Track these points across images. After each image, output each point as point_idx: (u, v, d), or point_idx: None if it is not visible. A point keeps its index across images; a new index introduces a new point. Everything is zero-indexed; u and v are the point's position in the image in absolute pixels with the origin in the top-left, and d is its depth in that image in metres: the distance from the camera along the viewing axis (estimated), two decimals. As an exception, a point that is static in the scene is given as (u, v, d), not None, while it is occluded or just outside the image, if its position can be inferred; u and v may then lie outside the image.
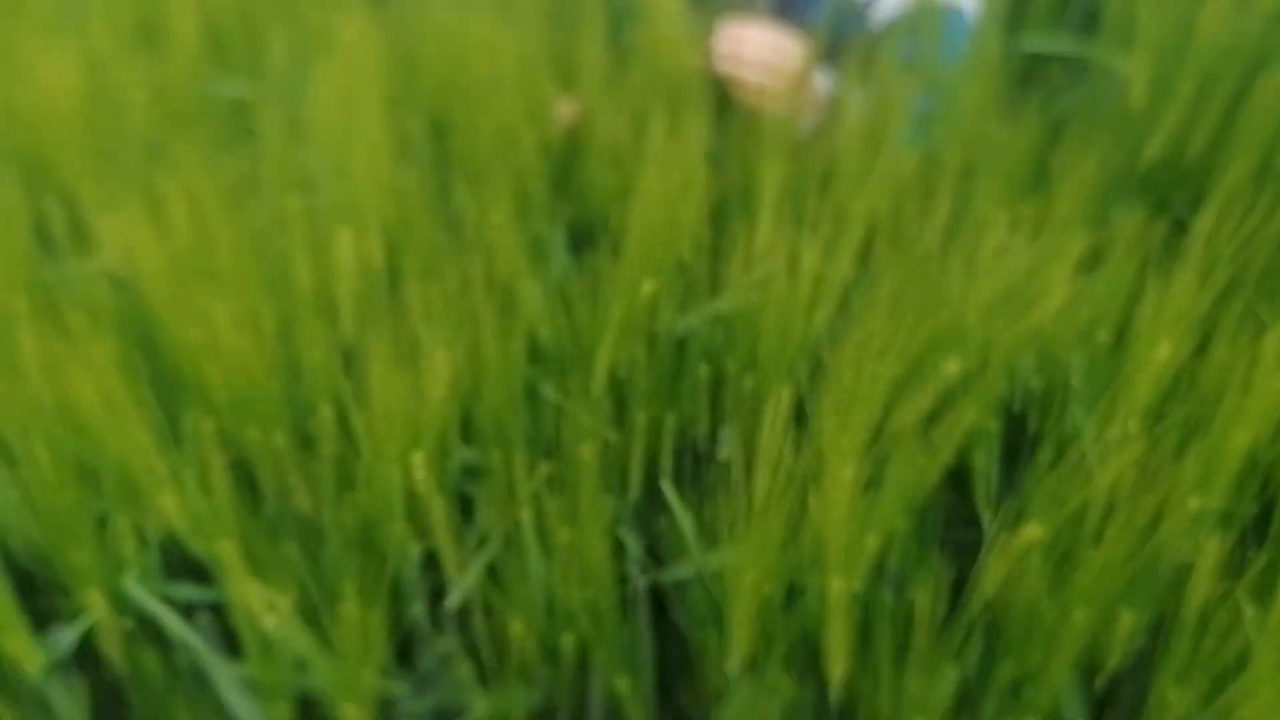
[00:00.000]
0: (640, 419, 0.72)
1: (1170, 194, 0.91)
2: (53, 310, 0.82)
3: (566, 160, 0.88)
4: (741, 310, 0.69)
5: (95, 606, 0.68)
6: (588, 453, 0.64)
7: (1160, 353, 0.66)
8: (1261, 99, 0.84)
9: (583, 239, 0.85)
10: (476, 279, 0.73)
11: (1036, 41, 1.04)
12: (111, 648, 0.69)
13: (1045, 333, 0.68)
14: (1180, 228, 0.85)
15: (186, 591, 0.70)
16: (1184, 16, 0.88)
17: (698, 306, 0.74)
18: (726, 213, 0.79)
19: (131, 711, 0.74)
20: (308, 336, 0.73)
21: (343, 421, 0.73)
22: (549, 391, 0.72)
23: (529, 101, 0.87)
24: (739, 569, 0.55)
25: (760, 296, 0.66)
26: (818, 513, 0.55)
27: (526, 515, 0.63)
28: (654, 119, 0.76)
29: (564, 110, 0.89)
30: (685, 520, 0.62)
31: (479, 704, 0.63)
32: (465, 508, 0.73)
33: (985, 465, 0.67)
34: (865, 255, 0.74)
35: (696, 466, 0.76)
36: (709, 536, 0.64)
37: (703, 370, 0.73)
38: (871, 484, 0.56)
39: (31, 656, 0.66)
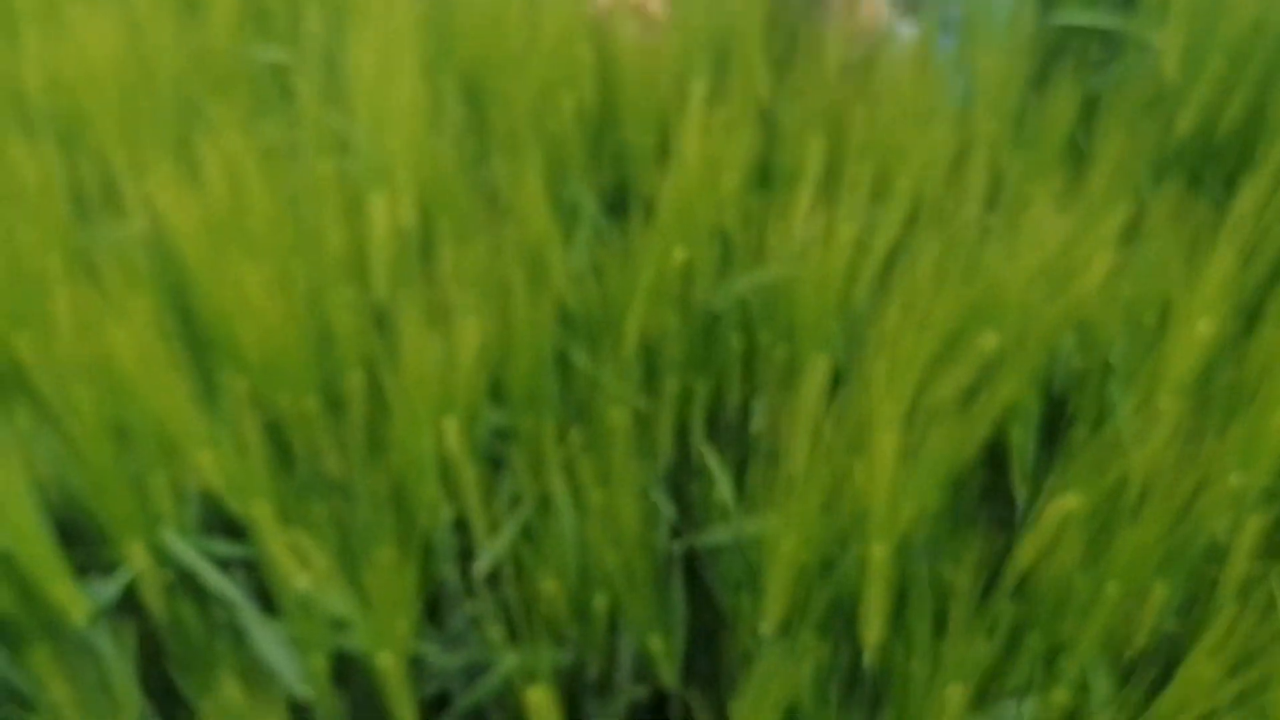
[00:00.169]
0: (670, 387, 0.72)
1: (1204, 170, 0.90)
2: (89, 270, 0.83)
3: (603, 124, 0.87)
4: (780, 280, 0.68)
5: (136, 558, 0.69)
6: (618, 417, 0.64)
7: (1200, 329, 0.65)
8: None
9: (618, 204, 0.85)
10: (508, 244, 0.73)
11: (1072, 15, 1.03)
12: (152, 599, 0.70)
13: (1085, 309, 0.68)
14: (1215, 204, 0.85)
15: (223, 547, 0.71)
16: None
17: (735, 276, 0.74)
18: (769, 180, 0.79)
19: (169, 662, 0.75)
20: (340, 300, 0.73)
21: (374, 385, 0.73)
22: (579, 357, 0.72)
23: (565, 67, 0.86)
24: (777, 534, 0.55)
25: (798, 266, 0.66)
26: (860, 480, 0.55)
27: (559, 477, 0.63)
28: (694, 82, 0.75)
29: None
30: (725, 482, 0.62)
31: (508, 660, 0.63)
32: (495, 472, 0.74)
33: (1023, 440, 0.67)
34: (904, 226, 0.73)
35: (727, 436, 0.76)
36: (744, 502, 0.64)
37: (736, 339, 0.73)
38: (911, 454, 0.56)
39: (77, 604, 0.67)
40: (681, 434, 0.75)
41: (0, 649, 0.79)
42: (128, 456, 0.72)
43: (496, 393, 0.73)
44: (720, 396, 0.75)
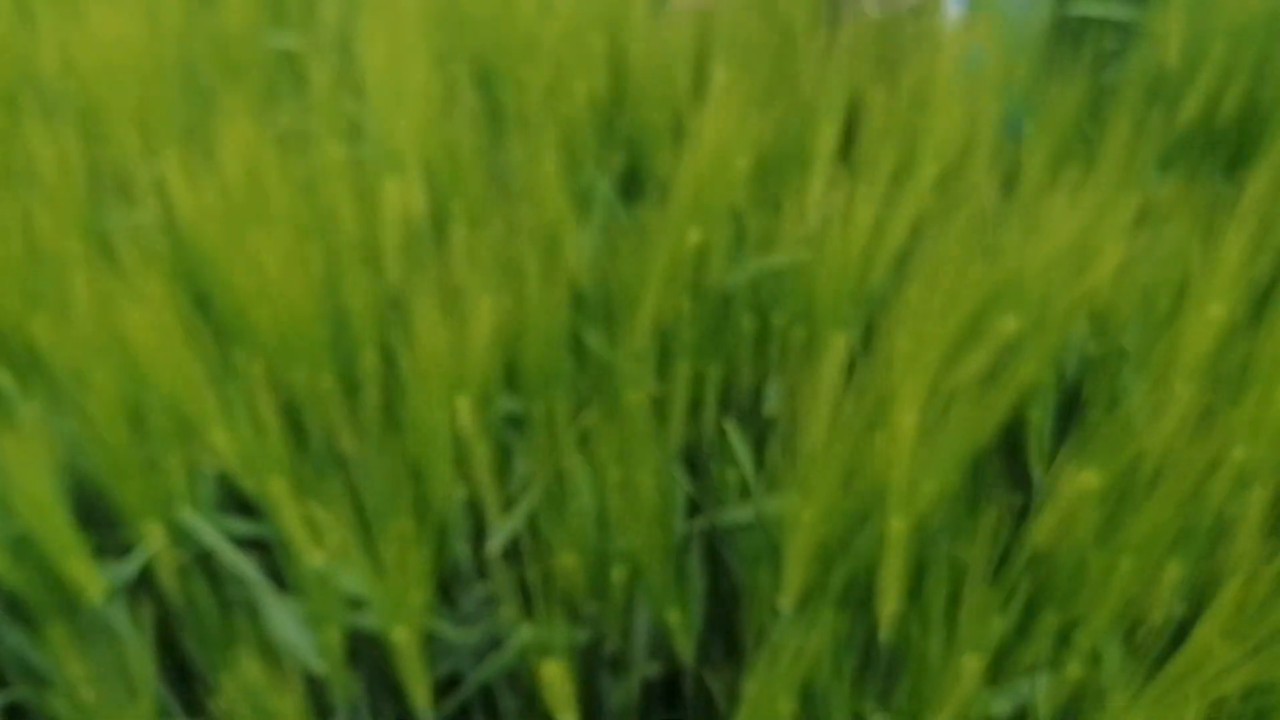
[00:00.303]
0: (684, 368, 0.73)
1: (1206, 157, 0.91)
2: (107, 253, 0.84)
3: (615, 108, 0.88)
4: (797, 261, 0.69)
5: (154, 538, 0.69)
6: (635, 396, 0.64)
7: (1212, 311, 0.66)
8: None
9: (630, 188, 0.85)
10: (522, 227, 0.74)
11: (1086, 6, 1.03)
12: (168, 578, 0.71)
13: (1100, 293, 0.68)
14: (1217, 191, 0.85)
15: (240, 526, 0.71)
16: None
17: (748, 258, 0.74)
18: (781, 163, 0.79)
19: (183, 641, 0.75)
20: (354, 282, 0.74)
21: (388, 365, 0.74)
22: (593, 340, 0.73)
23: (577, 51, 0.87)
24: (796, 509, 0.56)
25: (814, 248, 0.66)
26: (879, 457, 0.55)
27: (576, 454, 0.64)
28: (707, 65, 0.76)
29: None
30: (745, 456, 0.63)
31: (523, 633, 0.64)
32: (507, 453, 0.74)
33: (1040, 420, 0.67)
34: (921, 208, 0.74)
35: (741, 416, 0.76)
36: (761, 479, 0.65)
37: (748, 322, 0.73)
38: (932, 432, 0.56)
39: (94, 583, 0.68)
40: (695, 415, 0.75)
41: (18, 628, 0.79)
42: (144, 437, 0.72)
43: (510, 373, 0.74)
44: (733, 378, 0.76)
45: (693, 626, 0.64)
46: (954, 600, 0.59)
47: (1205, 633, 0.54)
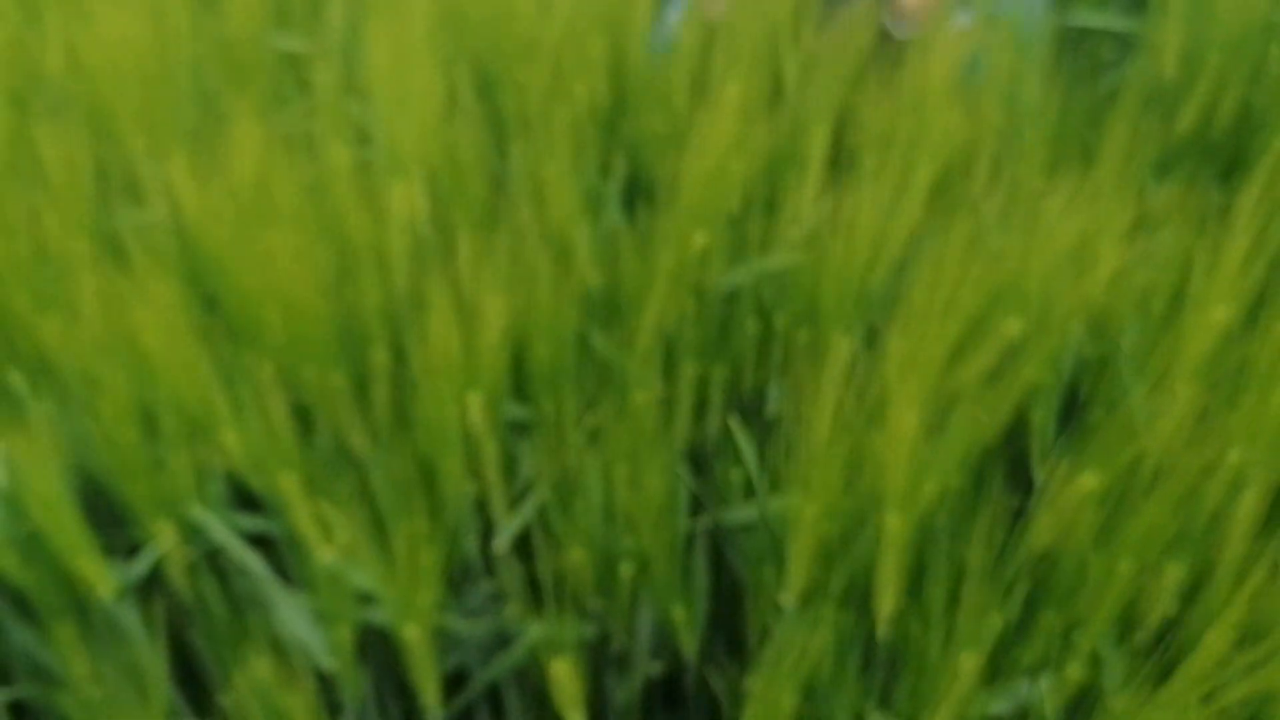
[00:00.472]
0: (689, 369, 0.74)
1: (1201, 167, 0.92)
2: (115, 253, 0.84)
3: (615, 112, 0.89)
4: (798, 264, 0.70)
5: (164, 536, 0.70)
6: (642, 397, 0.65)
7: (1213, 315, 0.67)
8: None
9: (630, 192, 0.86)
10: (529, 229, 0.75)
11: (1085, 16, 1.05)
12: (177, 577, 0.72)
13: (1101, 297, 0.69)
14: (1213, 198, 0.86)
15: (251, 522, 0.72)
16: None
17: (748, 261, 0.75)
18: (779, 168, 0.80)
19: (193, 640, 0.76)
20: (363, 282, 0.75)
21: (397, 364, 0.75)
22: (599, 341, 0.74)
23: (577, 56, 0.88)
24: (799, 508, 0.57)
25: (817, 251, 0.67)
26: (881, 454, 0.56)
27: (584, 452, 0.65)
28: (710, 71, 0.77)
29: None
30: (750, 455, 0.64)
31: (533, 631, 0.65)
32: (514, 451, 0.75)
33: (1042, 421, 0.68)
34: (923, 212, 0.75)
35: (744, 417, 0.77)
36: (765, 478, 0.66)
37: (752, 324, 0.74)
38: (934, 433, 0.57)
39: (104, 581, 0.69)
40: (700, 415, 0.76)
41: (25, 625, 0.80)
42: (154, 436, 0.73)
43: (519, 373, 0.75)
44: (738, 378, 0.77)
45: (697, 623, 0.65)
46: (953, 599, 0.60)
47: (1215, 641, 0.55)
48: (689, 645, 0.65)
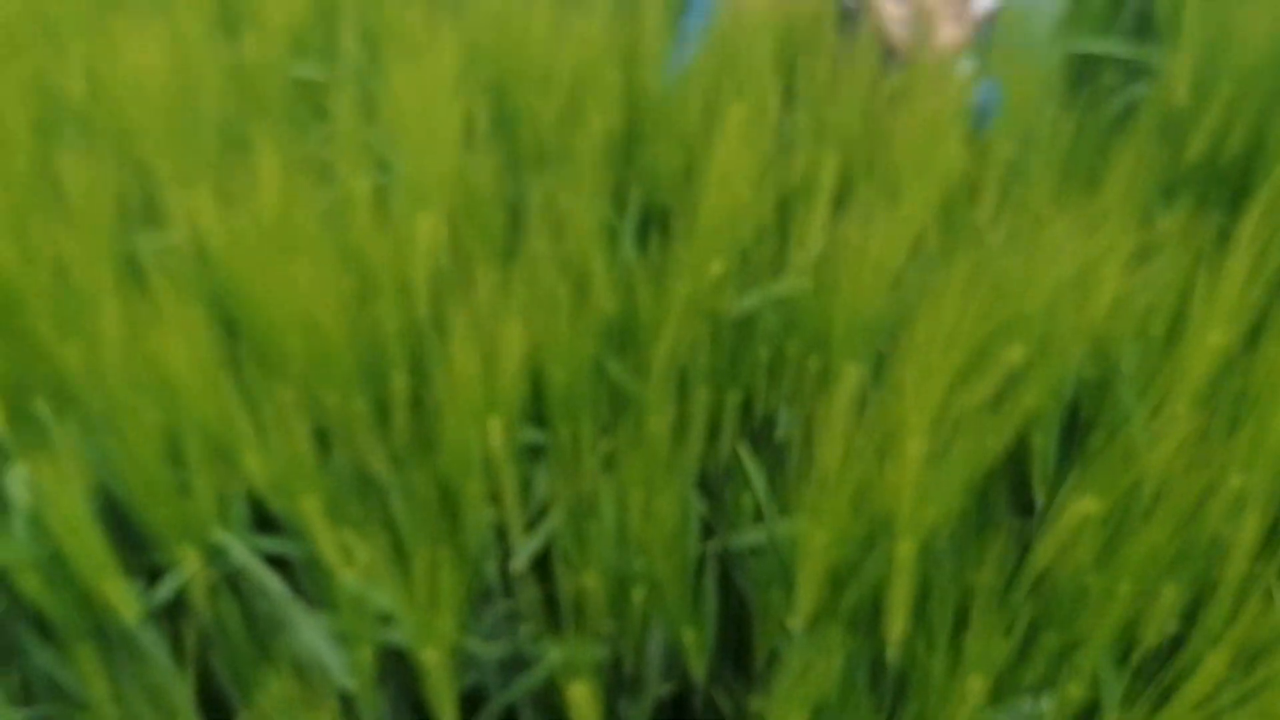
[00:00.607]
0: (702, 396, 0.75)
1: (1209, 194, 0.94)
2: (137, 279, 0.86)
3: (629, 143, 0.91)
4: (809, 292, 0.71)
5: (189, 559, 0.71)
6: (656, 424, 0.67)
7: (1212, 340, 0.68)
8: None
9: (650, 220, 0.88)
10: (546, 259, 0.76)
11: (1089, 43, 1.06)
12: (200, 599, 0.73)
13: (1102, 323, 0.71)
14: (1220, 227, 0.88)
15: (273, 544, 0.73)
16: (1225, 17, 0.90)
17: (759, 289, 0.77)
18: (790, 197, 0.82)
19: (213, 662, 0.77)
20: (383, 308, 0.76)
21: (416, 389, 0.76)
22: (614, 368, 0.75)
23: (591, 87, 0.90)
24: (809, 533, 0.58)
25: (829, 279, 0.69)
26: (889, 481, 0.58)
27: (600, 477, 0.66)
28: (722, 102, 0.79)
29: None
30: (759, 481, 0.65)
31: (552, 654, 0.66)
32: (530, 475, 0.77)
33: (1043, 445, 0.70)
34: (925, 242, 0.77)
35: (756, 443, 0.78)
36: (775, 503, 0.67)
37: (764, 351, 0.76)
38: (938, 458, 0.59)
39: (128, 604, 0.70)
40: (712, 440, 0.77)
41: (49, 647, 0.81)
42: (177, 461, 0.74)
43: (535, 398, 0.76)
44: (748, 405, 0.78)
45: (706, 646, 0.67)
46: (959, 621, 0.61)
47: (1214, 663, 0.56)
48: (698, 668, 0.67)
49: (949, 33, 0.90)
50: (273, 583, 0.70)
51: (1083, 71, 1.06)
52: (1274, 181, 0.84)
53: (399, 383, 0.76)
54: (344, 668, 0.67)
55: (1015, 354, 0.66)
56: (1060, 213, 0.76)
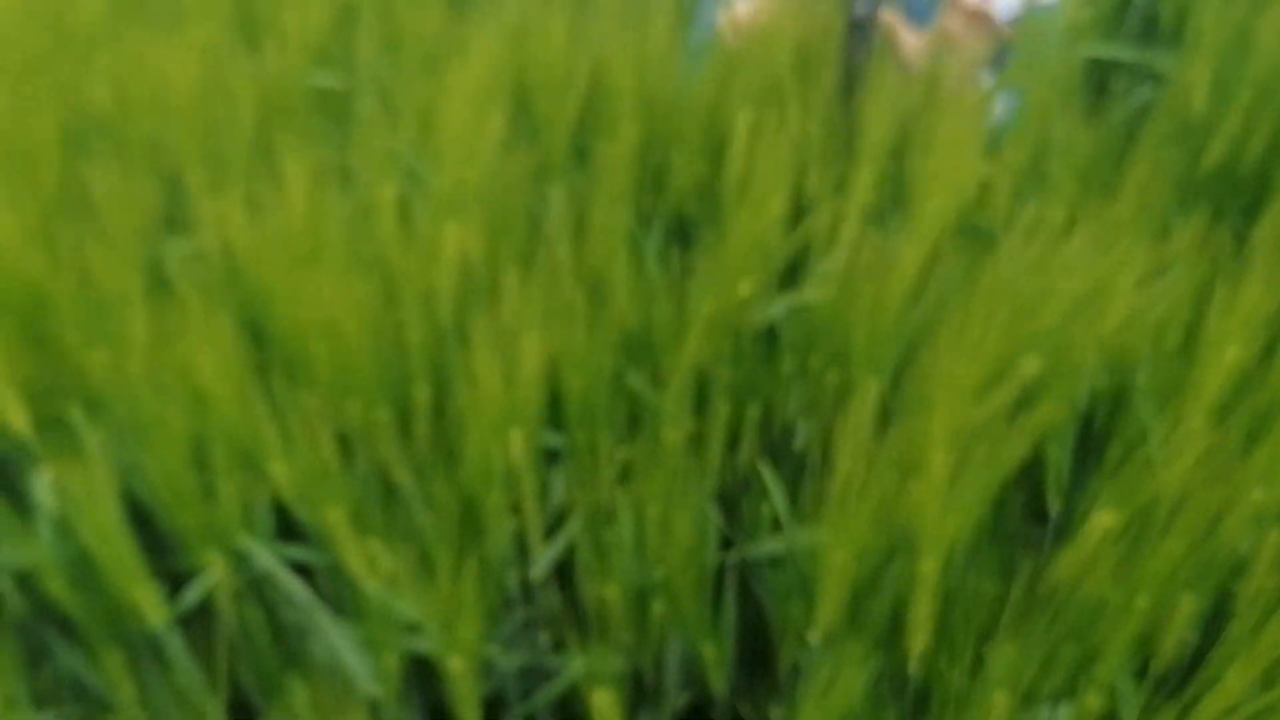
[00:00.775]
0: (722, 409, 0.76)
1: (1227, 202, 0.94)
2: (165, 288, 0.87)
3: (659, 154, 0.91)
4: (829, 307, 0.72)
5: (216, 566, 0.72)
6: (674, 435, 0.67)
7: (1228, 354, 0.68)
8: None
9: (674, 231, 0.89)
10: (568, 270, 0.77)
11: (1096, 48, 1.06)
12: (225, 606, 0.74)
13: (1118, 335, 0.71)
14: (1237, 235, 0.88)
15: (297, 552, 0.74)
16: (1243, 24, 0.90)
17: (781, 300, 0.77)
18: (810, 208, 0.82)
19: (238, 667, 0.78)
20: (409, 319, 0.77)
21: (439, 399, 0.77)
22: (635, 380, 0.76)
23: (612, 97, 0.90)
24: (829, 546, 0.59)
25: (848, 293, 0.69)
26: (912, 496, 0.58)
27: (618, 489, 0.67)
28: (745, 115, 0.79)
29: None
30: (779, 496, 0.66)
31: (575, 664, 0.67)
32: (550, 485, 0.77)
33: (1058, 457, 0.70)
34: (943, 254, 0.77)
35: (775, 455, 0.79)
36: (794, 516, 0.68)
37: (786, 364, 0.76)
38: (959, 472, 0.59)
39: (155, 609, 0.71)
40: (731, 453, 0.78)
41: (75, 650, 0.83)
42: (204, 468, 0.75)
43: (554, 407, 0.77)
44: (768, 418, 0.79)
45: (725, 659, 0.67)
46: (980, 634, 0.62)
47: (1235, 679, 0.57)
48: (717, 681, 0.67)
49: (969, 47, 0.91)
50: (298, 589, 0.70)
51: (1090, 76, 1.06)
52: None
53: (422, 393, 0.76)
54: (370, 675, 0.68)
55: (1031, 366, 0.67)
56: (1077, 223, 0.76)
